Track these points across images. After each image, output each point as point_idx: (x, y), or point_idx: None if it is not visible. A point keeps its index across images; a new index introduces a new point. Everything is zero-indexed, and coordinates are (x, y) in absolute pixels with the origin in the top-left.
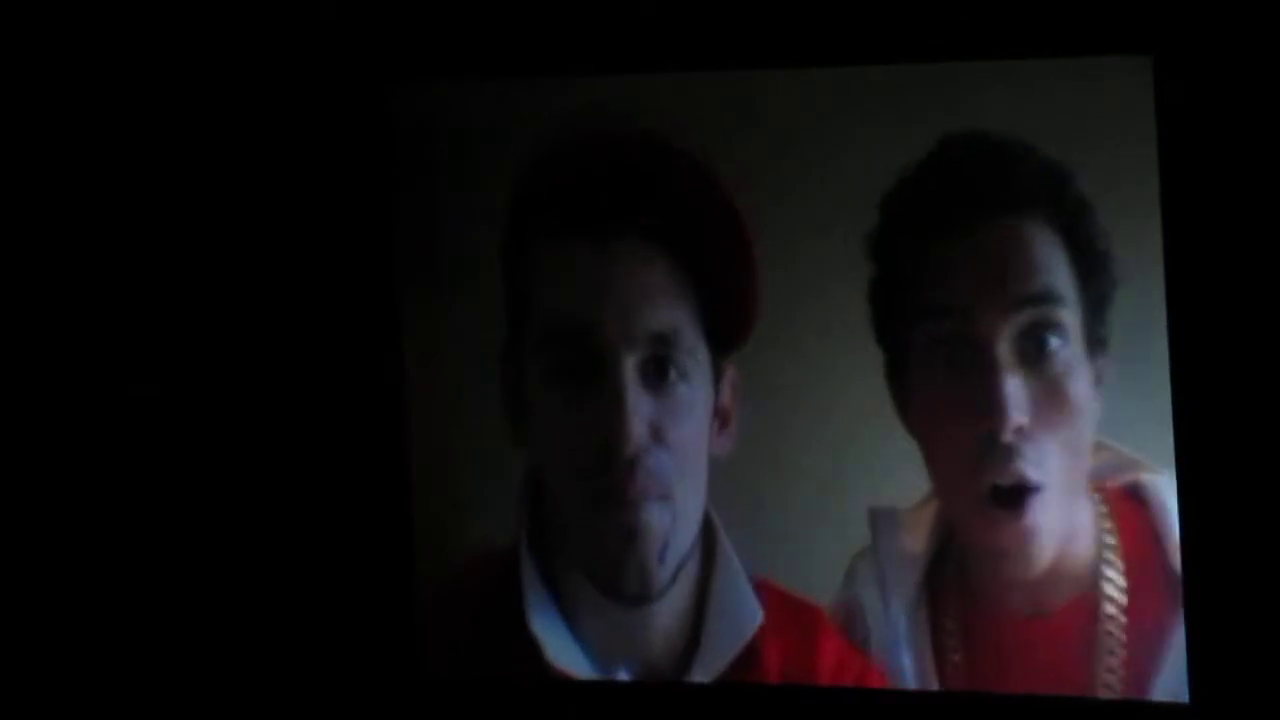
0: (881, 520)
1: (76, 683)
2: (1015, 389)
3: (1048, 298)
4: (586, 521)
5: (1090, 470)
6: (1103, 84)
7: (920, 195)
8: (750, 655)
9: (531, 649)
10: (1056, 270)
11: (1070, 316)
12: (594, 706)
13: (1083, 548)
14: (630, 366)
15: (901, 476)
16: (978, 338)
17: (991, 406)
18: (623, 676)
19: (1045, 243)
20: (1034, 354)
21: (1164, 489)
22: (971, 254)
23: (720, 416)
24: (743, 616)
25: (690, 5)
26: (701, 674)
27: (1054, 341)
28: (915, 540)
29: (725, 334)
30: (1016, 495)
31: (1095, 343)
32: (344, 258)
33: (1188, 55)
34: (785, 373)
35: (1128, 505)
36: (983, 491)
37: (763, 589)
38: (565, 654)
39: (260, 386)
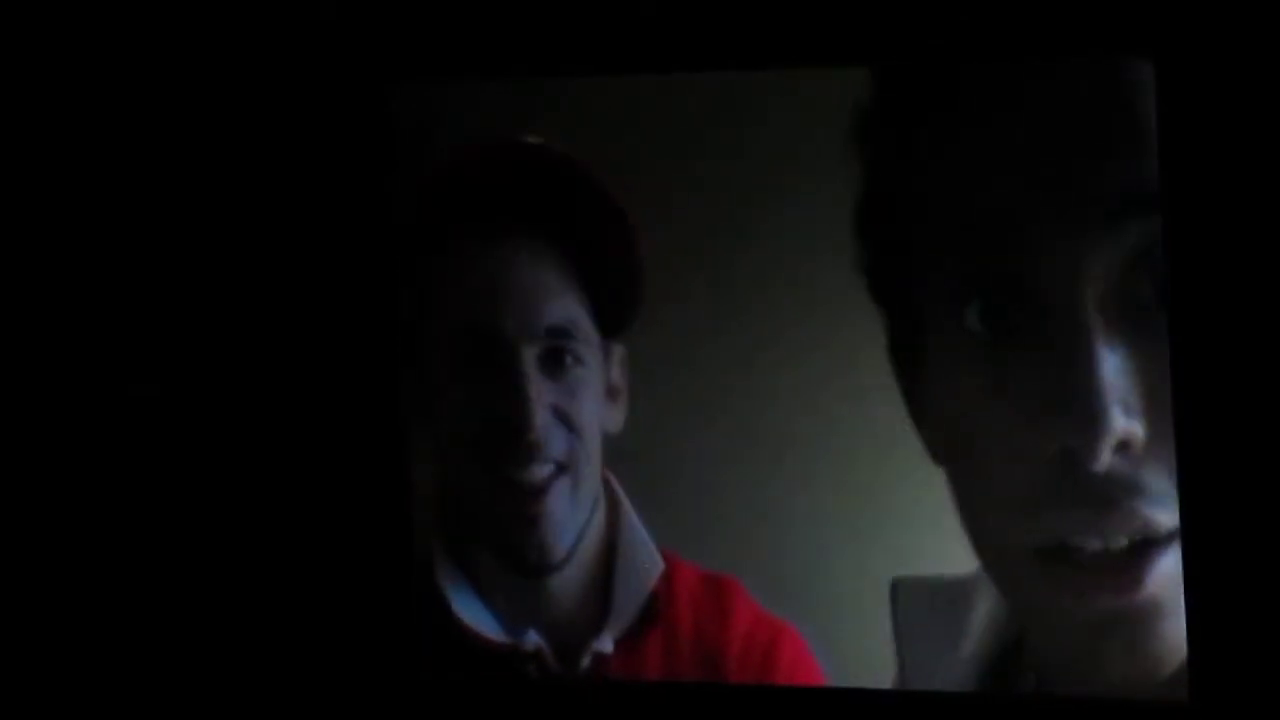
0: (907, 597)
1: (76, 682)
2: (1117, 373)
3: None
4: (492, 503)
5: None
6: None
7: (936, 36)
8: (656, 609)
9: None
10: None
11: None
12: (590, 706)
13: None
14: (530, 358)
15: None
16: (1041, 278)
17: (1073, 406)
18: (533, 639)
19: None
20: (1152, 305)
21: None
22: (1027, 124)
23: (610, 392)
24: (646, 567)
25: (691, 5)
26: (611, 631)
27: None
28: (958, 630)
29: (613, 320)
30: (1128, 555)
31: None
32: (344, 257)
33: (1188, 56)
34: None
35: None
36: (1054, 553)
37: (676, 564)
38: (473, 614)
39: (260, 386)
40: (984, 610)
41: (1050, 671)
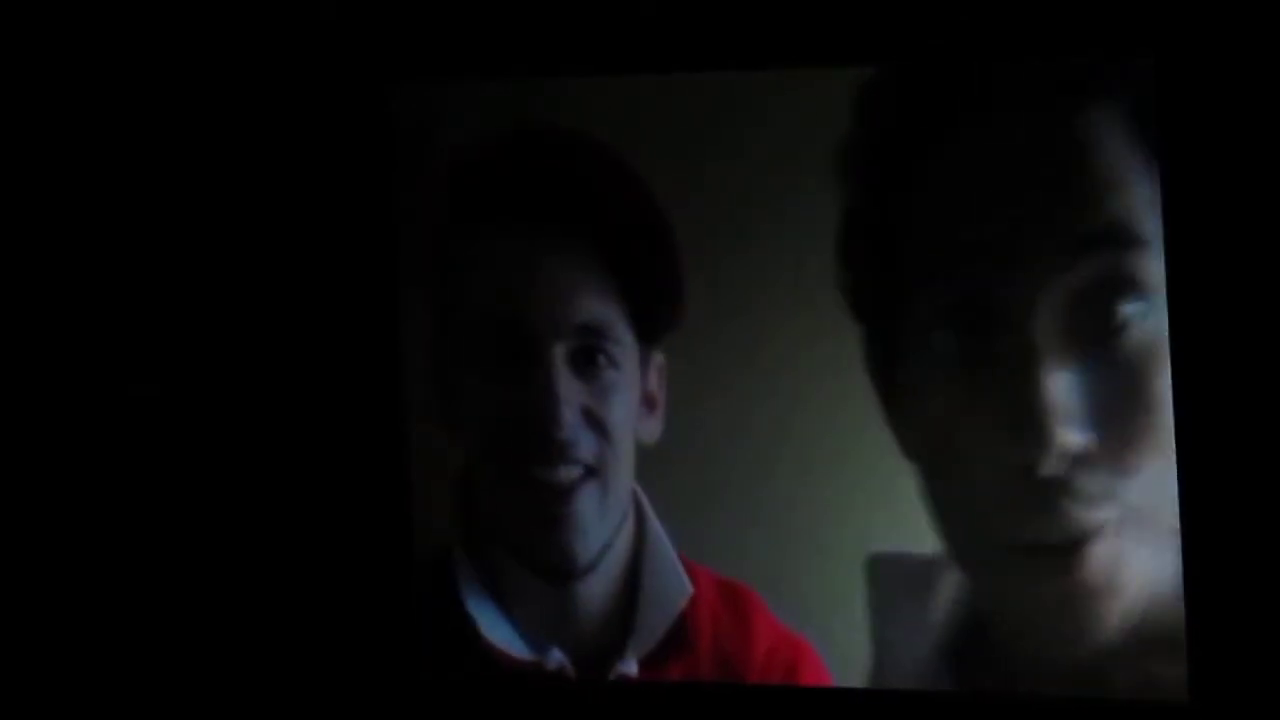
0: (884, 572)
1: (77, 682)
2: (1065, 392)
3: (1119, 237)
4: (517, 503)
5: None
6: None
7: (915, 75)
8: (682, 632)
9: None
10: (1137, 192)
11: (1158, 268)
12: (589, 706)
13: (1166, 613)
14: (560, 355)
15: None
16: (1003, 306)
17: (1025, 422)
18: (556, 656)
19: (1119, 147)
20: (1096, 330)
21: None
22: (992, 168)
23: (647, 401)
24: (673, 590)
25: (690, 5)
26: (635, 651)
27: (1128, 308)
28: (926, 602)
29: (651, 326)
30: (1075, 546)
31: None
32: (344, 258)
33: (1188, 55)
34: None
35: None
36: (1009, 545)
37: (696, 573)
38: (498, 631)
39: (260, 386)
40: (951, 584)
41: (1006, 641)
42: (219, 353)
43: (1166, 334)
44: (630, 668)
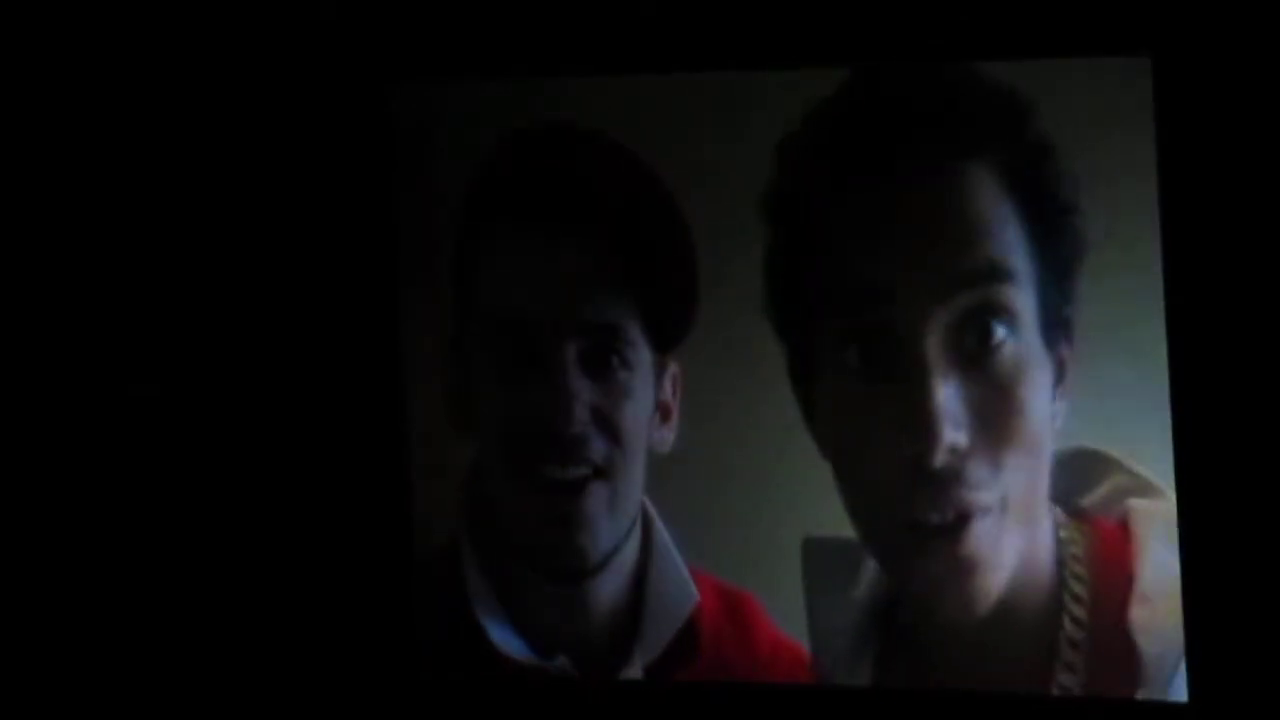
0: (815, 552)
1: (77, 682)
2: (949, 398)
3: (993, 274)
4: (526, 503)
5: (1059, 486)
6: (1102, 84)
7: (825, 136)
8: (686, 640)
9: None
10: (1005, 235)
11: (1023, 297)
12: (590, 707)
13: (1039, 588)
14: (572, 353)
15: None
16: (898, 330)
17: (917, 423)
18: (563, 661)
19: (991, 198)
20: (974, 349)
21: (1151, 519)
22: (889, 215)
23: (661, 410)
24: (679, 597)
25: (690, 5)
26: (640, 658)
27: (1000, 332)
28: (853, 580)
29: (666, 331)
30: (958, 525)
31: (1055, 328)
32: (344, 257)
33: (1187, 55)
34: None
35: (1106, 533)
36: (906, 525)
37: (698, 579)
38: (505, 638)
39: (260, 386)
40: (872, 564)
41: (912, 609)
42: (219, 353)
43: (1030, 353)
44: (635, 674)
